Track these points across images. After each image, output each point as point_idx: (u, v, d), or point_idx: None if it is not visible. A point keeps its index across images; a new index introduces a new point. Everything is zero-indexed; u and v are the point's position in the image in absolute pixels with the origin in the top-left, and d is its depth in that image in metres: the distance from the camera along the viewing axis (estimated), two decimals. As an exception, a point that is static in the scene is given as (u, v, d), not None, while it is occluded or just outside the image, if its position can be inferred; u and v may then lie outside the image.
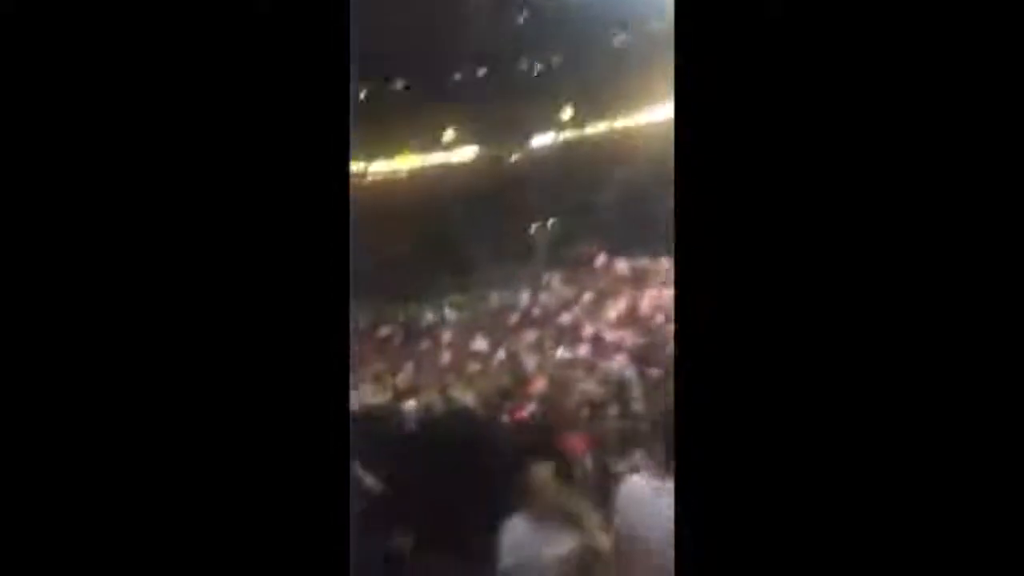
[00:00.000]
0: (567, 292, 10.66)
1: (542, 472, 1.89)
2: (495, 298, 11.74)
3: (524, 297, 10.99)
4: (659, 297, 8.47)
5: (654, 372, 5.42)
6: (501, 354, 8.23)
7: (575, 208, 15.01)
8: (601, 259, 11.03)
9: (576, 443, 3.40)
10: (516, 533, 1.89)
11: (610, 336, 6.86)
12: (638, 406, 4.45)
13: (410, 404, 4.87)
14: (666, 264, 10.52)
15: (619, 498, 1.81)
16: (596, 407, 4.29)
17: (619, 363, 5.85)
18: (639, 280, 10.24)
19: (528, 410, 4.46)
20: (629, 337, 6.79)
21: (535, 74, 15.18)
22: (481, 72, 15.20)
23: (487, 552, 1.96)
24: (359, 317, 13.28)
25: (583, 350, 6.60)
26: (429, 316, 12.87)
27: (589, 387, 4.82)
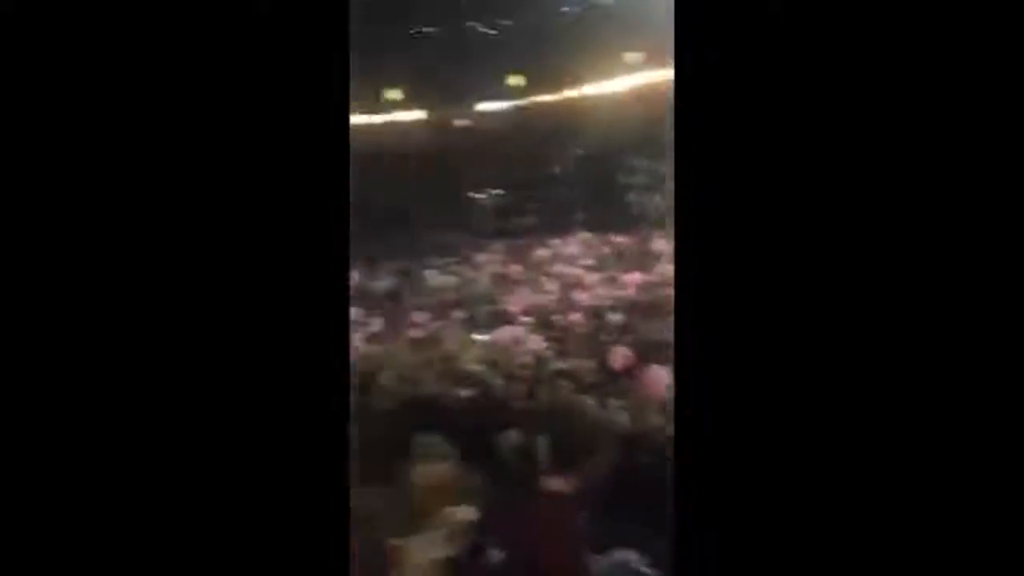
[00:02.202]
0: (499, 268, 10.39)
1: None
2: (428, 271, 11.37)
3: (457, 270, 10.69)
4: (584, 280, 8.29)
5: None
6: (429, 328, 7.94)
7: (520, 181, 14.73)
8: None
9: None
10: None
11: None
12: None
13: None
14: (602, 245, 10.44)
15: None
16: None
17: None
18: (572, 260, 10.05)
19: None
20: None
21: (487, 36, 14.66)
22: (431, 30, 14.58)
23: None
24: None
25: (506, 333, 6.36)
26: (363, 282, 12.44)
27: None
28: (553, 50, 13.23)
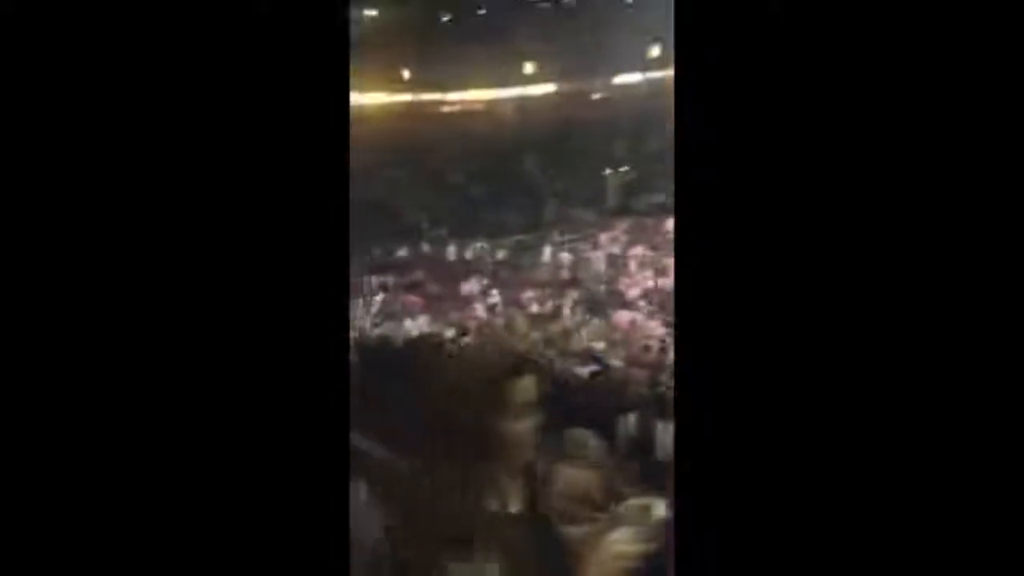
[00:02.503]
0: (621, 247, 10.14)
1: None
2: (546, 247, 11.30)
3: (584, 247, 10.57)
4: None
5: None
6: (547, 305, 7.95)
7: (654, 155, 14.27)
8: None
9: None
10: None
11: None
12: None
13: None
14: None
15: None
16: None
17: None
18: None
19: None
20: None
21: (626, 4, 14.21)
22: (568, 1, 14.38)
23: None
24: (421, 246, 13.35)
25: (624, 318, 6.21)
26: (489, 253, 12.67)
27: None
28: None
